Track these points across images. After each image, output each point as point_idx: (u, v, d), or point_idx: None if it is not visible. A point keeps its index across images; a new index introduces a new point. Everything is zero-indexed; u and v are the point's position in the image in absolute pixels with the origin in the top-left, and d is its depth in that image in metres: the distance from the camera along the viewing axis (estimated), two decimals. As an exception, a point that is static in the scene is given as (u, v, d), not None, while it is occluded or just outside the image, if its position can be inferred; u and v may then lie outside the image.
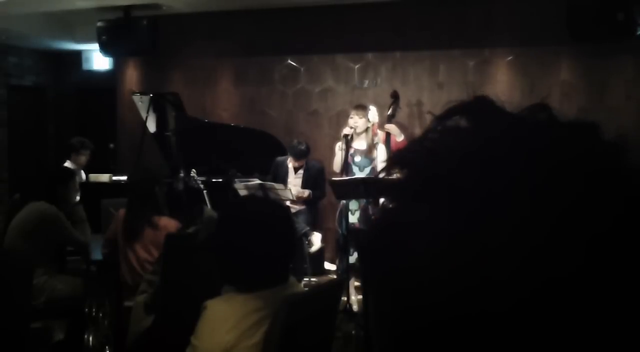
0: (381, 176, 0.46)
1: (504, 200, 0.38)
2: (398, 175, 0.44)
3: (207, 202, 5.70)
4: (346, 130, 5.37)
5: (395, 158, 0.45)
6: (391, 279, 0.42)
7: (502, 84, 6.60)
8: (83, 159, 6.40)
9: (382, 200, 0.48)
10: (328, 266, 6.42)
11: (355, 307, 5.07)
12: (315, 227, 5.93)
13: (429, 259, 0.39)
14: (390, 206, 0.44)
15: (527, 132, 0.42)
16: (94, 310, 4.01)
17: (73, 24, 8.03)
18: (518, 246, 0.37)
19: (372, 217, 5.43)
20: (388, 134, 5.94)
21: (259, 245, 1.89)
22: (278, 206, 2.26)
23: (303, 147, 5.81)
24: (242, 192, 5.43)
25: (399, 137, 5.94)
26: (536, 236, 0.37)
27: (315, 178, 5.87)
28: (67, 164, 6.26)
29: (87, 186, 6.35)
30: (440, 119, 0.46)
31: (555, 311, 0.36)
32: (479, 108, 0.45)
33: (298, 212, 5.70)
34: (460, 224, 0.38)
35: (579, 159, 0.39)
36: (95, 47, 7.65)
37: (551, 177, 0.38)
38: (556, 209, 0.37)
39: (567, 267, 0.36)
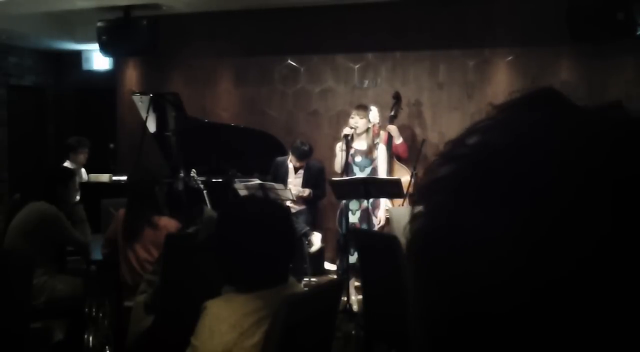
0: (430, 166, 0.43)
1: (578, 207, 0.36)
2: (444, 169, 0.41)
3: (207, 202, 5.70)
4: (346, 131, 5.37)
5: (448, 150, 0.42)
6: (443, 272, 0.40)
7: (502, 84, 6.60)
8: (82, 157, 6.41)
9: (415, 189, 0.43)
10: (328, 266, 6.42)
11: (355, 307, 5.07)
12: (315, 227, 5.93)
13: (480, 263, 0.37)
14: (439, 201, 0.41)
15: (604, 133, 0.38)
16: (94, 310, 4.01)
17: (73, 24, 8.03)
18: (585, 249, 0.35)
19: (376, 217, 5.43)
20: (390, 135, 5.95)
21: (258, 245, 1.89)
22: (278, 206, 2.26)
23: (306, 148, 5.81)
24: (242, 192, 5.43)
25: (397, 140, 5.94)
26: (608, 241, 0.35)
27: (315, 178, 5.87)
28: (67, 164, 6.26)
29: (87, 186, 6.36)
30: (502, 110, 0.42)
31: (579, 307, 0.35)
32: (548, 101, 0.41)
33: (298, 212, 5.69)
34: (522, 232, 0.36)
35: None
36: (95, 47, 7.66)
37: (630, 186, 0.36)
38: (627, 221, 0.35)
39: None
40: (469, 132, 0.41)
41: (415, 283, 0.42)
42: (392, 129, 5.91)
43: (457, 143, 0.42)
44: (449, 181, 0.41)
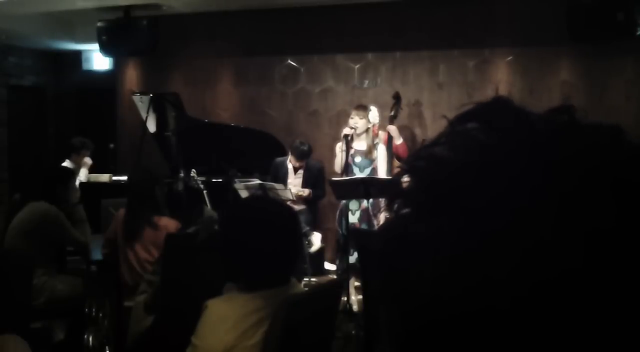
0: (402, 181, 0.45)
1: (520, 219, 0.37)
2: (408, 181, 0.43)
3: (207, 203, 5.70)
4: (346, 131, 5.37)
5: (406, 165, 0.44)
6: (396, 284, 0.42)
7: (502, 84, 6.60)
8: (83, 159, 6.42)
9: (384, 202, 0.47)
10: (328, 266, 6.42)
11: (355, 307, 5.07)
12: (315, 227, 5.93)
13: (434, 273, 0.39)
14: (400, 212, 0.43)
15: (548, 140, 0.39)
16: (94, 310, 4.01)
17: (73, 24, 8.03)
18: (539, 270, 0.36)
19: (376, 218, 5.44)
20: (390, 135, 5.94)
21: (265, 244, 1.89)
22: (285, 206, 2.27)
23: (306, 148, 5.81)
24: (242, 192, 5.43)
25: (397, 140, 5.92)
26: (563, 258, 0.36)
27: (315, 178, 5.87)
28: (67, 163, 6.26)
29: (87, 186, 6.35)
30: (455, 123, 0.44)
31: (555, 308, 0.36)
32: (496, 112, 0.43)
33: (298, 212, 5.67)
34: (470, 242, 0.38)
35: (602, 167, 0.38)
36: (95, 47, 7.65)
37: (574, 191, 0.37)
38: (581, 225, 0.36)
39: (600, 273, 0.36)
40: (427, 146, 0.44)
41: (379, 293, 0.44)
42: (392, 129, 5.90)
43: (416, 156, 0.44)
44: (409, 195, 0.43)
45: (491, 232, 0.37)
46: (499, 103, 0.43)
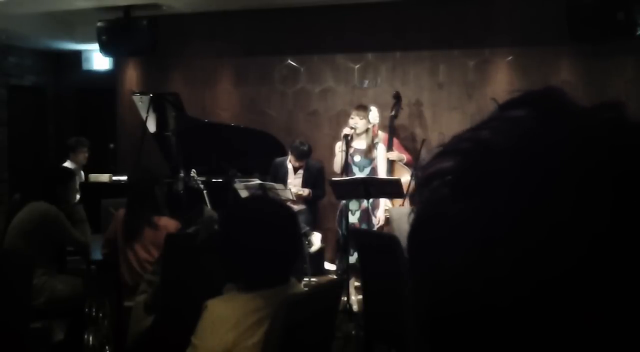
0: (432, 159, 0.44)
1: (557, 209, 0.37)
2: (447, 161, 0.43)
3: (207, 202, 5.70)
4: (346, 131, 5.37)
5: (450, 144, 0.43)
6: (425, 272, 0.41)
7: (502, 84, 6.60)
8: (82, 156, 6.44)
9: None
10: (328, 266, 6.42)
11: (355, 307, 5.07)
12: (315, 227, 5.93)
13: (468, 256, 0.38)
14: (438, 193, 0.42)
15: (592, 135, 0.39)
16: (94, 310, 4.01)
17: (73, 24, 8.03)
18: (570, 247, 0.36)
19: (375, 217, 5.44)
20: (391, 135, 5.93)
21: (263, 244, 1.90)
22: (284, 206, 2.27)
23: (305, 148, 5.82)
24: (242, 192, 5.43)
25: (401, 161, 5.85)
26: (583, 242, 0.36)
27: (315, 178, 5.88)
28: (67, 163, 6.27)
29: (87, 186, 6.36)
30: (503, 109, 0.44)
31: (564, 305, 0.36)
32: (547, 101, 0.43)
33: (298, 212, 5.65)
34: (507, 225, 0.38)
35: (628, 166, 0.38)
36: (95, 47, 7.65)
37: (592, 187, 0.37)
38: (590, 223, 0.36)
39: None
40: (473, 129, 0.43)
41: (409, 269, 0.44)
42: (394, 155, 5.79)
43: (460, 138, 0.43)
44: (448, 174, 0.42)
45: (514, 221, 0.37)
46: (551, 92, 0.43)
